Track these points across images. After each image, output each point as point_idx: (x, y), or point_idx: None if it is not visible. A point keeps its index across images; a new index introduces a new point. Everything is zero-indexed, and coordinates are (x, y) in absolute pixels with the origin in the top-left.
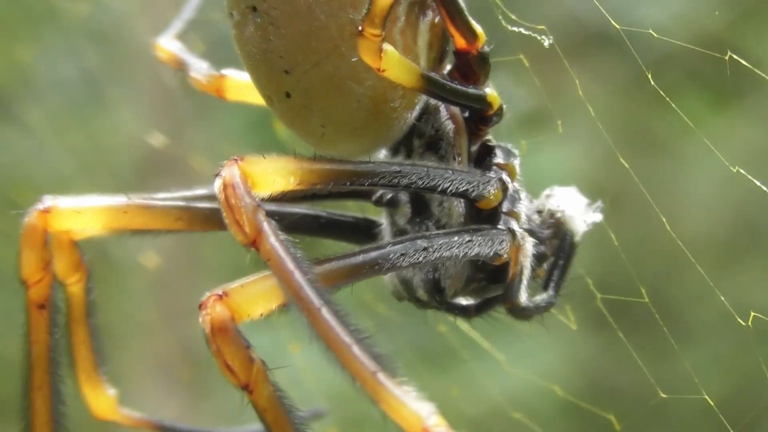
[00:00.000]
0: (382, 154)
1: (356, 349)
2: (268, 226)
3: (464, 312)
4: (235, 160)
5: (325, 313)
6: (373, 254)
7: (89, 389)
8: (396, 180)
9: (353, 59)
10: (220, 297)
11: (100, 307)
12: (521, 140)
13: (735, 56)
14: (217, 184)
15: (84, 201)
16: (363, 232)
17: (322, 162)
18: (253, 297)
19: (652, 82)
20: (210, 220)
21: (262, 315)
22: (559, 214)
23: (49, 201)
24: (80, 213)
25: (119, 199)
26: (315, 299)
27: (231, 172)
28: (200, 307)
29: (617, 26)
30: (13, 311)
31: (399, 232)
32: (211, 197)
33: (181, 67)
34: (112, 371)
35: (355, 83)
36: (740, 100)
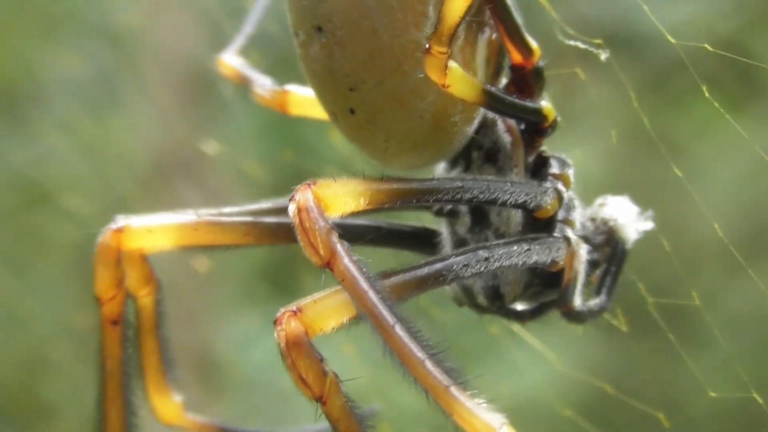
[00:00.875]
0: (442, 166)
1: (429, 365)
2: (341, 248)
3: (519, 316)
4: (308, 184)
5: (399, 330)
6: (438, 266)
7: (156, 395)
8: (459, 195)
9: (415, 76)
10: (294, 313)
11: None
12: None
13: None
14: (292, 208)
15: (155, 219)
16: (423, 241)
17: (389, 182)
18: (326, 312)
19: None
20: (278, 234)
21: (333, 329)
22: (612, 223)
23: (122, 221)
24: (152, 231)
25: (189, 216)
26: (389, 317)
27: (305, 196)
28: (275, 323)
29: (652, 17)
30: (55, 312)
31: (459, 242)
32: (278, 211)
33: (244, 82)
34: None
35: (418, 99)
36: (754, 103)
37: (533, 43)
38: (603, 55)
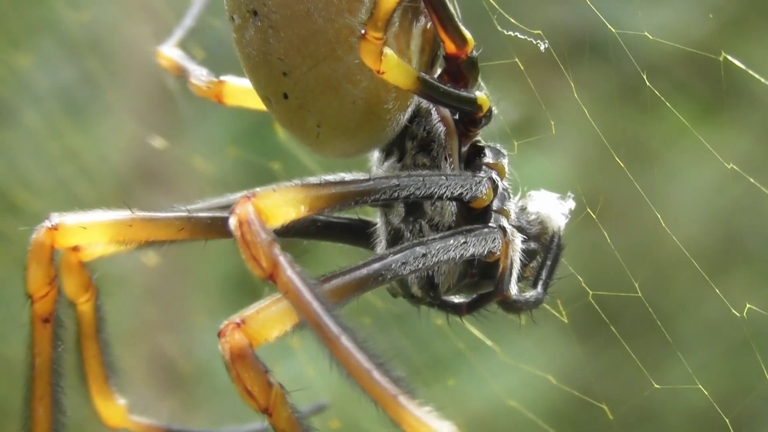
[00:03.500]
0: (376, 155)
1: (376, 374)
2: (284, 260)
3: (456, 309)
4: (248, 197)
5: (344, 341)
6: (376, 266)
7: (101, 400)
8: (396, 193)
9: (349, 62)
10: (238, 325)
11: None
12: (513, 141)
13: (729, 57)
14: (232, 221)
15: (89, 216)
16: (359, 232)
17: (327, 186)
18: (269, 321)
19: (648, 83)
20: (211, 228)
21: (277, 337)
22: (539, 217)
23: (56, 218)
24: (86, 228)
25: (123, 213)
26: (334, 328)
27: (245, 209)
28: (219, 335)
29: (613, 29)
30: (14, 311)
31: (394, 232)
32: (212, 208)
33: (181, 73)
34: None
35: (351, 85)
36: (729, 108)
37: (467, 34)
38: (542, 46)
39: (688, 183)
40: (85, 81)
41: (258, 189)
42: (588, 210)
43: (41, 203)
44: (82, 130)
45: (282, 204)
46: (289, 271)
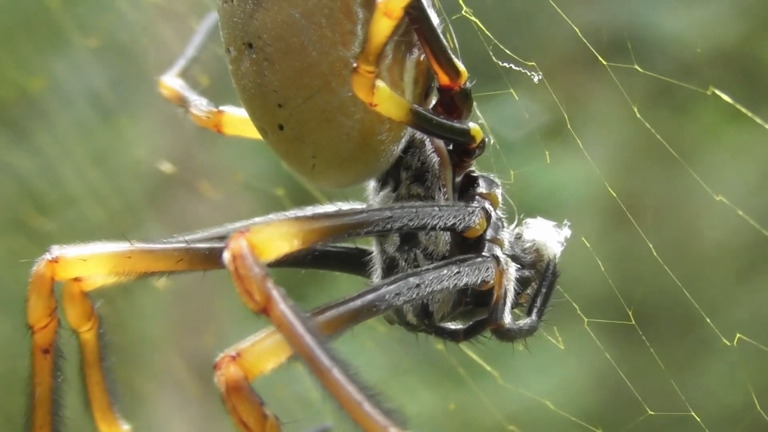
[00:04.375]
0: (372, 185)
1: (367, 406)
2: (277, 294)
3: (453, 336)
4: (242, 232)
5: (336, 373)
6: (370, 297)
7: (105, 426)
8: (389, 225)
9: (343, 94)
10: (233, 358)
11: (112, 347)
12: (545, 151)
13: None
14: (226, 256)
15: (89, 249)
16: (355, 261)
17: (320, 220)
18: (264, 354)
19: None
20: (209, 259)
21: (272, 369)
22: (535, 245)
23: (56, 251)
24: (86, 261)
25: (122, 245)
26: (326, 361)
27: (238, 244)
28: (215, 367)
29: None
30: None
31: (389, 260)
32: (211, 238)
33: (182, 103)
34: (123, 389)
35: (345, 117)
36: (763, 108)
37: (461, 66)
38: (536, 78)
39: (725, 181)
40: (115, 84)
41: (252, 221)
42: (624, 210)
43: (72, 207)
44: (112, 133)
45: (275, 238)
46: (281, 305)
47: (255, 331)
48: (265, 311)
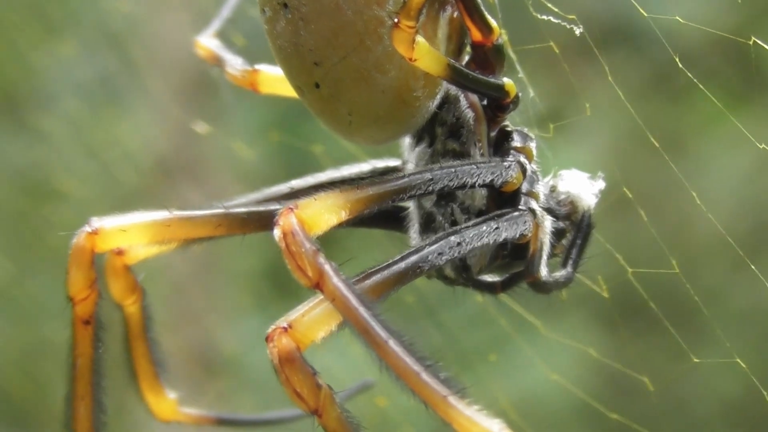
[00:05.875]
0: (407, 141)
1: (425, 376)
2: (329, 268)
3: (490, 288)
4: (291, 208)
5: (393, 345)
6: (414, 258)
7: (152, 395)
8: (430, 187)
9: (378, 52)
10: (285, 329)
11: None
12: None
13: (759, 42)
14: (277, 233)
15: (128, 219)
16: (392, 217)
17: (364, 188)
18: (315, 323)
19: (682, 68)
20: (248, 223)
21: (323, 338)
22: (569, 197)
23: (96, 222)
24: (126, 231)
25: (162, 213)
26: (381, 332)
27: (288, 221)
28: (267, 339)
29: (645, 14)
30: (59, 298)
31: (426, 215)
32: (248, 203)
33: (218, 63)
34: (123, 381)
35: (380, 74)
36: (761, 95)
37: (493, 22)
38: (577, 30)
39: (721, 169)
40: (125, 69)
41: (299, 200)
42: (625, 191)
43: (84, 190)
44: (122, 117)
45: (323, 212)
46: (335, 279)
47: (253, 326)
48: (318, 286)
